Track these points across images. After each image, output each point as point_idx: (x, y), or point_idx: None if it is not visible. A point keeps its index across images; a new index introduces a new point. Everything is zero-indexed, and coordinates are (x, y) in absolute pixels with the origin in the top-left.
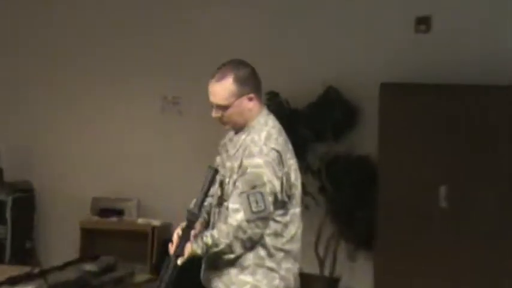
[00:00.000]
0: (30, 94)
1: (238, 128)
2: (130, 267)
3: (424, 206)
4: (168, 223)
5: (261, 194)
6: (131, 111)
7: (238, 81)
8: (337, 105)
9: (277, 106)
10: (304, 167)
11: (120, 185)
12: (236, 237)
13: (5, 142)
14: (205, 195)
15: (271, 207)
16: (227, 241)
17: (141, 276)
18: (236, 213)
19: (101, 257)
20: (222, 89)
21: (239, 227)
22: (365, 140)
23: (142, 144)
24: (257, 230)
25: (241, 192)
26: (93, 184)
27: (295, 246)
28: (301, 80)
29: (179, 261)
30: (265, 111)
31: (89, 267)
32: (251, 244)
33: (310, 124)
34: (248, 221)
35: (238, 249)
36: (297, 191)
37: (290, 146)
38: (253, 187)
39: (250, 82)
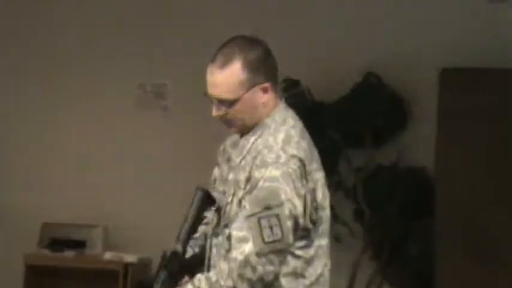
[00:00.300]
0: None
1: (246, 130)
2: None
3: (501, 237)
4: (147, 258)
5: (277, 217)
6: (95, 106)
7: (249, 66)
8: (380, 98)
9: (295, 98)
10: (334, 183)
11: (81, 208)
12: (242, 277)
13: None
14: (192, 227)
15: (291, 237)
16: (230, 283)
17: None
18: (242, 244)
19: None
20: (227, 78)
21: (246, 263)
22: (418, 147)
23: (111, 153)
24: (270, 268)
25: (250, 215)
26: (44, 205)
27: None
28: (330, 63)
29: None
30: (282, 105)
31: None
32: (262, 287)
33: (341, 124)
34: (259, 254)
35: None
36: (325, 215)
37: (316, 154)
38: (267, 208)
39: (265, 67)
